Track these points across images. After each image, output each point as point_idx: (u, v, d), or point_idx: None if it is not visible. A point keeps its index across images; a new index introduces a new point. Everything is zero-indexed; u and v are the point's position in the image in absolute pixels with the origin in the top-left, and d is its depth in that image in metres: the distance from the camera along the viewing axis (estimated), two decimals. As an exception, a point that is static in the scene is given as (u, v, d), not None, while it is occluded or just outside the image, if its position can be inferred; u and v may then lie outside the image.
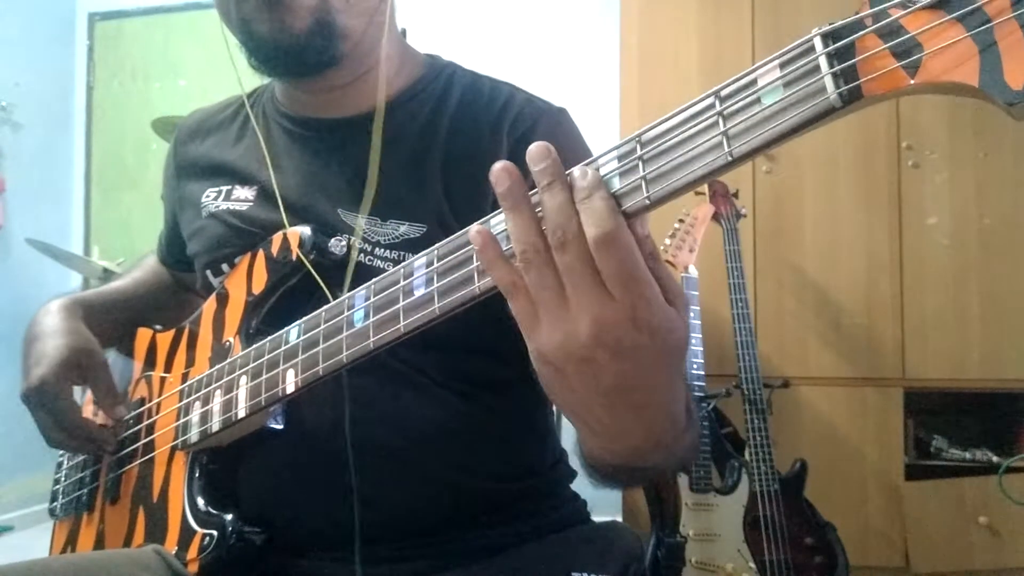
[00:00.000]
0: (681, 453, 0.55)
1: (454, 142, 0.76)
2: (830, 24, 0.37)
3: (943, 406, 2.29)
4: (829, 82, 0.37)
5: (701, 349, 1.88)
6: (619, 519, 2.19)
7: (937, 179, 2.19)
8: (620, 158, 0.44)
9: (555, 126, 0.78)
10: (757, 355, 1.89)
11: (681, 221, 1.97)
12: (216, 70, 3.10)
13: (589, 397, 0.46)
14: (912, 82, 0.35)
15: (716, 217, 2.01)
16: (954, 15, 0.34)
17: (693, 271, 1.91)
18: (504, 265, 0.45)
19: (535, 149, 0.44)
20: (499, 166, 0.45)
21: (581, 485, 0.85)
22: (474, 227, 0.48)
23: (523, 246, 0.44)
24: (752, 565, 1.74)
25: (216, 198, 0.83)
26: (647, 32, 2.40)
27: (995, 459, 2.11)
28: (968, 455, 2.17)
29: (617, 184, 0.44)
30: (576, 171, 0.44)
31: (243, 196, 0.81)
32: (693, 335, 1.87)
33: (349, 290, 0.69)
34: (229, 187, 0.83)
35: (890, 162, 2.21)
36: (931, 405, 2.26)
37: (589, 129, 0.81)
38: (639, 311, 0.42)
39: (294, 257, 0.72)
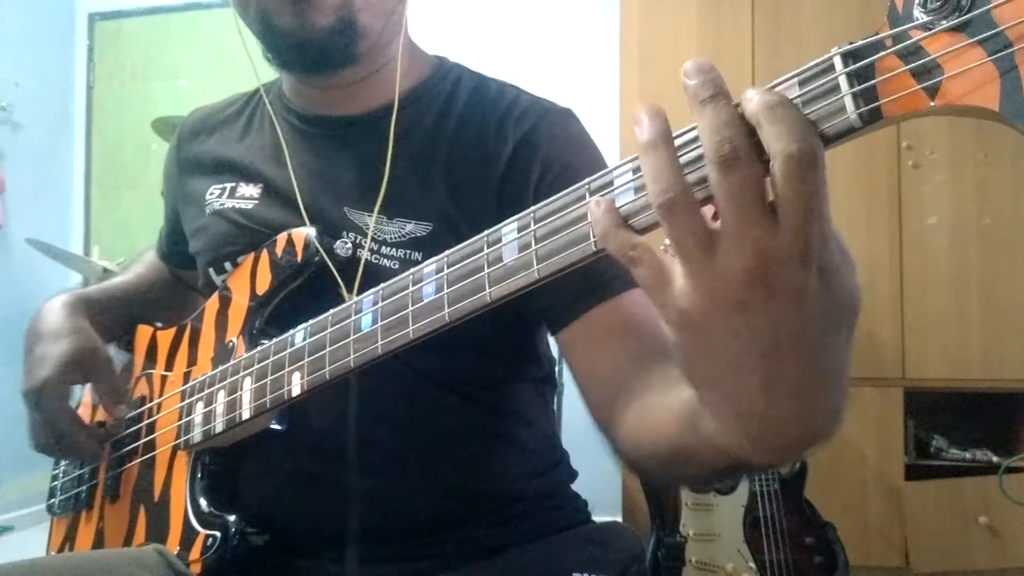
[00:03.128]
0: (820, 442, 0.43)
1: (460, 142, 0.76)
2: (850, 43, 0.37)
3: (943, 406, 2.29)
4: (849, 102, 0.36)
5: (701, 349, 1.88)
6: (619, 519, 2.19)
7: (937, 179, 2.19)
8: (635, 171, 0.43)
9: (559, 126, 0.77)
10: (757, 355, 1.89)
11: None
12: (216, 70, 3.10)
13: (739, 363, 0.38)
14: (932, 104, 0.35)
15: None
16: (975, 38, 0.34)
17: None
18: (624, 232, 0.40)
19: (691, 64, 0.37)
20: (641, 108, 0.39)
21: (582, 485, 0.85)
22: (594, 199, 0.43)
23: (665, 185, 0.37)
24: (752, 565, 1.74)
25: (220, 195, 0.83)
26: (647, 32, 2.40)
27: (995, 459, 2.11)
28: (968, 455, 2.17)
29: (631, 197, 0.43)
30: (752, 90, 0.37)
31: (248, 193, 0.81)
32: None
33: (359, 289, 0.69)
34: (233, 184, 0.83)
35: (890, 162, 2.21)
36: (931, 405, 2.26)
37: (589, 129, 0.81)
38: (812, 247, 0.35)
39: (299, 259, 0.72)
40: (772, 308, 0.36)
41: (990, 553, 2.04)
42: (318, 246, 0.72)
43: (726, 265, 0.36)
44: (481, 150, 0.74)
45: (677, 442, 0.48)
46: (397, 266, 0.71)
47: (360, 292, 0.59)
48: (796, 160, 0.34)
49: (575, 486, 0.85)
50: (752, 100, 0.36)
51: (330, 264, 0.71)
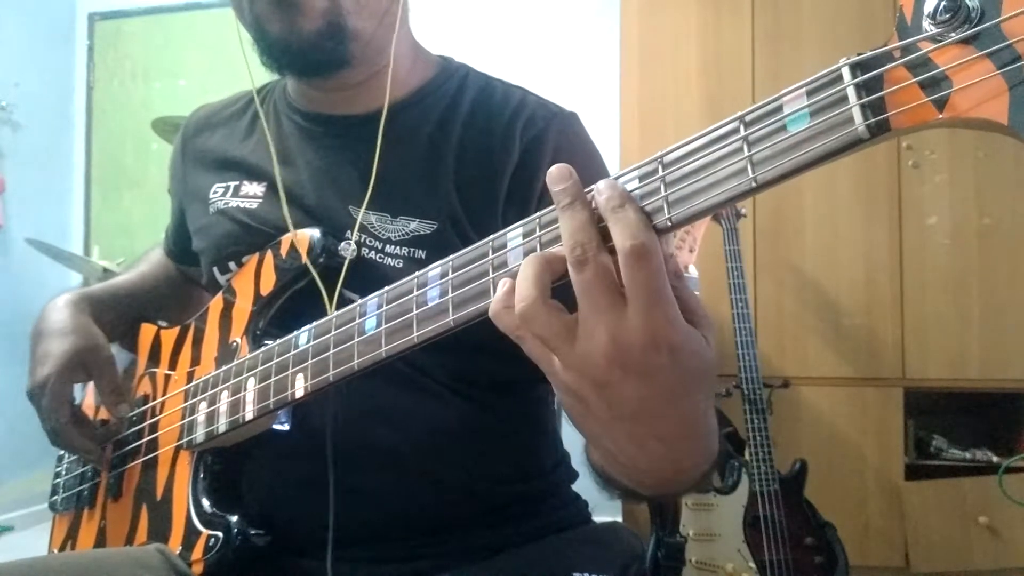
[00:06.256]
0: (708, 480, 0.55)
1: (466, 141, 0.76)
2: (859, 55, 0.37)
3: (943, 406, 2.29)
4: (857, 113, 0.36)
5: (701, 349, 1.88)
6: (619, 519, 2.19)
7: (937, 179, 2.19)
8: (641, 178, 0.44)
9: (566, 130, 0.78)
10: (757, 355, 1.89)
11: (681, 221, 1.97)
12: (216, 70, 3.10)
13: (612, 425, 0.45)
14: (940, 116, 0.35)
15: (716, 217, 2.01)
16: (984, 51, 0.34)
17: (693, 271, 1.91)
18: (510, 313, 0.45)
19: (555, 171, 0.44)
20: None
21: (582, 486, 0.85)
22: (502, 280, 0.47)
23: (524, 296, 0.43)
24: (752, 565, 1.74)
25: (224, 194, 0.83)
26: (647, 32, 2.40)
27: (995, 459, 2.12)
28: (968, 455, 2.17)
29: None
30: (603, 183, 0.44)
31: (252, 192, 0.81)
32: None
33: (344, 286, 0.70)
34: (237, 183, 0.83)
35: (890, 162, 2.21)
36: (931, 405, 2.26)
37: (589, 130, 0.82)
38: (658, 330, 0.41)
39: (303, 261, 0.72)
40: (630, 386, 0.42)
41: (990, 553, 2.04)
42: (308, 261, 0.71)
43: (589, 347, 0.42)
44: (488, 152, 0.75)
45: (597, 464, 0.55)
46: (401, 264, 0.71)
47: (362, 291, 0.59)
48: (632, 253, 0.40)
49: (575, 486, 0.85)
50: (600, 197, 0.43)
51: (315, 275, 0.71)
